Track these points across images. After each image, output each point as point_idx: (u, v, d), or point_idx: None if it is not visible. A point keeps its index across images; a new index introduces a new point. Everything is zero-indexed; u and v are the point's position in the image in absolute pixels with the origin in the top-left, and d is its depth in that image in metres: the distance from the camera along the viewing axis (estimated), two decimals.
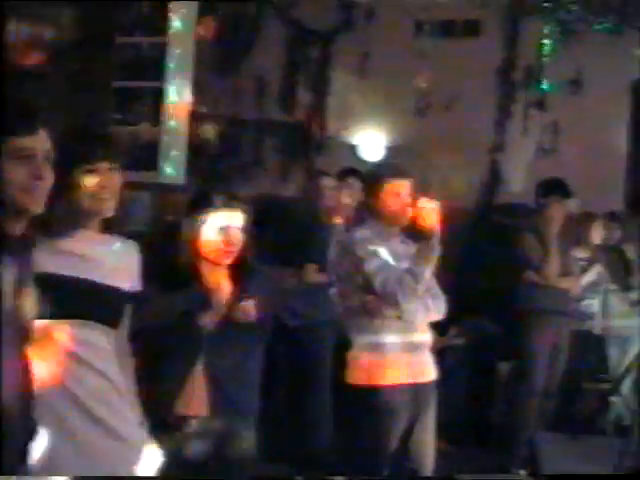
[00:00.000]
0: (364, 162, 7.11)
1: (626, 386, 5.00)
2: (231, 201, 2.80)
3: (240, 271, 2.79)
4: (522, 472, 4.86)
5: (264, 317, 2.74)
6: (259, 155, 7.55)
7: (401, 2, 6.57)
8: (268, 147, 7.56)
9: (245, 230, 2.80)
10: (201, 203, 2.79)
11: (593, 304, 5.79)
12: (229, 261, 2.79)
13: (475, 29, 6.99)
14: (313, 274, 4.91)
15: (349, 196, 5.10)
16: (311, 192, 5.20)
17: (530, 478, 4.68)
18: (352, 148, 7.44)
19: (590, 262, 5.70)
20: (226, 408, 2.72)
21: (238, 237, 2.78)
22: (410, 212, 3.41)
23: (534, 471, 4.48)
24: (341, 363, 3.55)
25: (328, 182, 5.10)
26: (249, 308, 2.71)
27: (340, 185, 5.15)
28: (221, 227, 2.75)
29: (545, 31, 6.48)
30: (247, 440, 2.82)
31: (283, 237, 4.90)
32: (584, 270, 5.59)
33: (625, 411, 5.30)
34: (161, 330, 2.61)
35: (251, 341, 2.80)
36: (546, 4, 6.19)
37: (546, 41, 6.58)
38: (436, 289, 3.56)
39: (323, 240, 4.74)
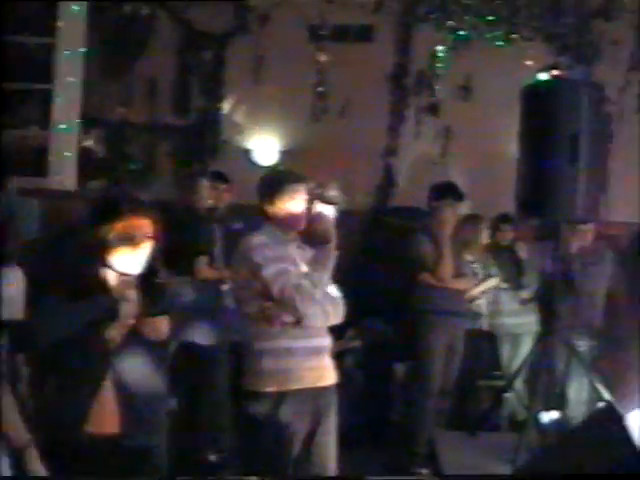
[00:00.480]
0: (259, 167, 7.08)
1: (519, 383, 5.15)
2: (138, 208, 2.72)
3: (148, 281, 2.72)
4: (424, 471, 4.93)
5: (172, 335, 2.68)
6: (151, 160, 7.41)
7: (295, 7, 6.56)
8: (161, 152, 7.42)
9: (154, 238, 2.75)
10: (107, 210, 2.69)
11: (482, 304, 5.94)
12: (137, 270, 2.72)
13: (368, 34, 7.05)
14: (205, 269, 4.96)
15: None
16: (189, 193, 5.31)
17: (434, 477, 4.74)
18: (246, 153, 7.39)
19: (483, 265, 5.85)
20: (137, 424, 2.63)
21: (147, 245, 2.71)
22: (306, 217, 3.42)
23: (435, 469, 4.54)
24: (241, 370, 3.51)
25: (204, 184, 5.31)
26: (159, 326, 2.64)
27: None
28: (129, 235, 2.67)
29: (438, 38, 6.60)
30: (158, 455, 2.76)
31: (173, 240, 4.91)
32: (476, 273, 5.74)
33: (518, 407, 5.46)
34: (67, 344, 2.50)
35: (159, 355, 2.73)
36: (438, 13, 6.32)
37: (438, 48, 6.71)
38: (334, 293, 3.58)
39: (207, 234, 4.95)
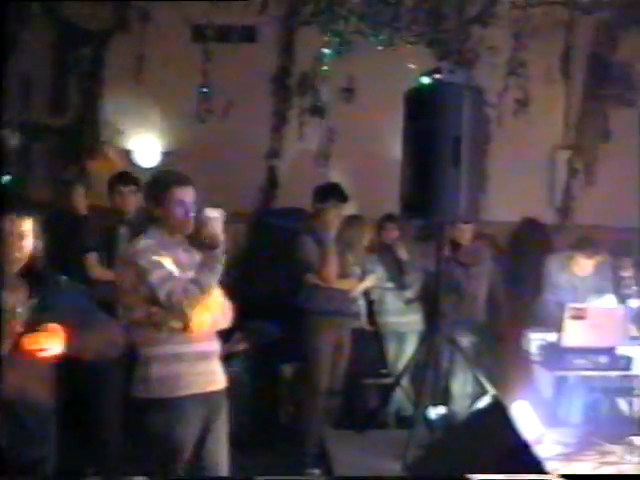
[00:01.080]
0: (140, 168, 6.93)
1: (405, 380, 5.25)
2: (22, 207, 2.65)
3: (31, 279, 2.63)
4: (315, 471, 4.95)
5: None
6: (27, 161, 7.13)
7: (178, 5, 6.45)
8: (36, 152, 7.15)
9: (36, 237, 2.71)
10: None
11: (362, 303, 6.01)
12: (18, 268, 2.66)
13: (252, 35, 7.01)
14: (95, 267, 4.89)
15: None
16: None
17: (324, 477, 4.76)
18: (127, 154, 7.21)
19: (367, 264, 5.93)
20: (23, 438, 2.53)
21: (29, 244, 2.62)
22: (194, 220, 3.38)
23: (326, 469, 4.57)
24: (130, 377, 3.43)
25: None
26: (44, 340, 2.54)
27: None
28: (12, 232, 2.62)
29: (322, 40, 6.64)
30: (44, 469, 2.66)
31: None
32: (362, 273, 5.80)
33: (406, 404, 5.57)
34: None
35: (45, 366, 2.63)
36: (323, 15, 6.35)
37: (323, 50, 6.75)
38: (222, 297, 3.55)
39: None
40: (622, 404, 5.75)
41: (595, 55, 7.07)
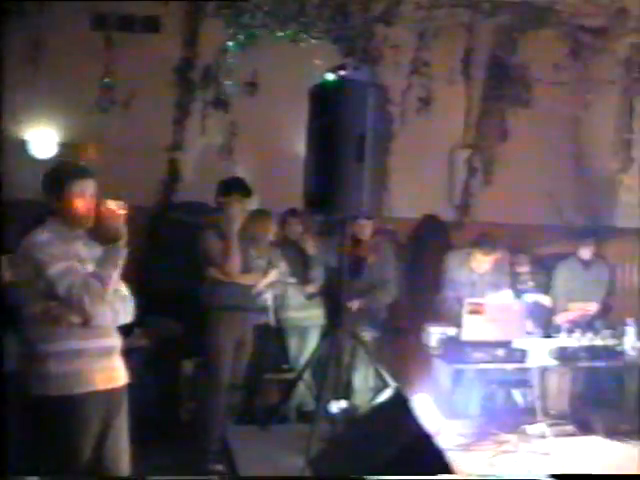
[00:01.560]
0: (36, 160, 6.71)
1: (307, 374, 5.26)
2: None
3: None
4: (217, 467, 4.91)
5: None
6: None
7: None
8: None
9: None
10: None
11: (269, 298, 6.01)
12: None
13: (155, 25, 6.87)
14: None
15: None
16: None
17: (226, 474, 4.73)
18: (23, 144, 6.94)
19: (270, 259, 5.92)
20: None
21: None
22: (94, 213, 3.31)
23: (228, 465, 4.54)
24: (28, 374, 3.31)
25: None
26: None
27: None
28: None
29: (227, 33, 6.57)
30: None
31: None
32: (266, 268, 5.79)
33: (308, 398, 5.59)
34: None
35: None
36: (229, 9, 6.28)
37: (228, 43, 6.68)
38: (124, 291, 3.48)
39: None
40: (517, 395, 5.93)
41: (495, 57, 7.26)
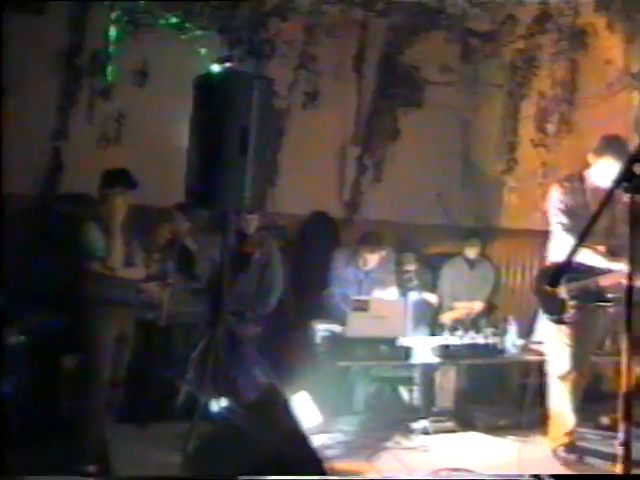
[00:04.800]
0: None
1: (190, 371, 5.17)
2: None
3: None
4: (91, 468, 4.75)
5: None
6: None
7: None
8: None
9: None
10: None
11: (154, 293, 5.87)
12: None
13: (39, 7, 6.56)
14: None
15: None
16: None
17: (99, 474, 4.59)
18: None
19: (159, 253, 5.79)
20: None
21: None
22: None
23: (104, 465, 4.42)
24: None
25: None
26: None
27: None
28: None
29: (112, 18, 6.35)
30: None
31: None
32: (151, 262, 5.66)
33: (190, 395, 5.47)
34: None
35: None
36: None
37: (113, 29, 6.45)
38: None
39: None
40: (402, 392, 6.00)
41: (386, 56, 7.30)
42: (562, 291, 4.83)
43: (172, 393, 5.34)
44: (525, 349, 6.10)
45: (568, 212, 4.90)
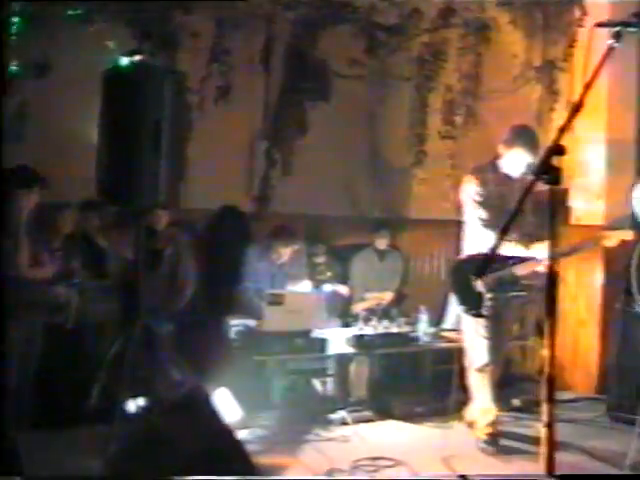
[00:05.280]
0: None
1: (105, 372, 5.04)
2: None
3: None
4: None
5: None
6: None
7: None
8: None
9: None
10: None
11: (63, 294, 5.71)
12: None
13: None
14: None
15: None
16: None
17: None
18: None
19: (63, 251, 5.62)
20: None
21: None
22: None
23: (19, 474, 4.26)
24: None
25: None
26: None
27: None
28: None
29: (15, 9, 6.10)
30: None
31: None
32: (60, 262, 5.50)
33: (105, 397, 5.34)
34: None
35: None
36: None
37: (14, 19, 6.20)
38: None
39: None
40: (318, 384, 6.02)
41: (294, 50, 7.30)
42: (479, 284, 4.83)
43: (86, 395, 5.20)
44: (437, 337, 6.22)
45: (485, 204, 4.97)
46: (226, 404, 4.90)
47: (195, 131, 6.41)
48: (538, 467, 4.53)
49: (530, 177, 4.76)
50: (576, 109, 2.64)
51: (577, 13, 6.47)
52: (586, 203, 6.54)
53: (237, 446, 3.34)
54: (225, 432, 3.37)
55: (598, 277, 6.46)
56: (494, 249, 3.01)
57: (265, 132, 7.45)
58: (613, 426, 5.56)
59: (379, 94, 7.52)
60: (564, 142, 2.56)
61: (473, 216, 5.03)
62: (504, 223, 2.95)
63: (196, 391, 4.10)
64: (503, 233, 3.08)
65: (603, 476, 3.07)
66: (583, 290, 6.42)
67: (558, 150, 2.59)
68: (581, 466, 4.60)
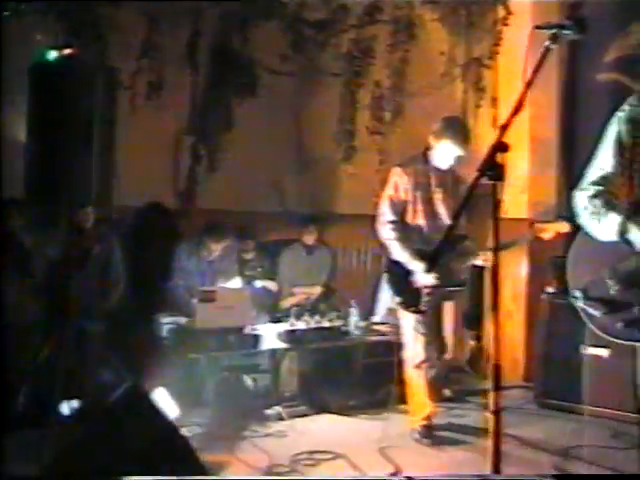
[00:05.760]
0: None
1: (35, 375, 4.93)
2: None
3: None
4: None
5: None
6: None
7: None
8: None
9: None
10: None
11: None
12: None
13: None
14: None
15: None
16: None
17: None
18: None
19: None
20: None
21: None
22: None
23: None
24: None
25: None
26: None
27: None
28: None
29: None
30: None
31: None
32: None
33: (37, 401, 5.22)
34: None
35: None
36: None
37: None
38: None
39: None
40: (252, 380, 6.01)
41: (221, 45, 7.23)
42: (418, 280, 4.89)
43: (14, 400, 5.06)
44: (368, 330, 6.29)
45: (395, 205, 5.03)
46: (164, 403, 4.84)
47: (125, 127, 6.31)
48: (472, 456, 4.70)
49: (456, 168, 4.92)
50: (517, 108, 2.72)
51: (502, 12, 6.65)
52: (511, 197, 6.70)
53: (184, 444, 3.31)
54: (170, 430, 3.34)
55: (523, 268, 6.65)
56: (444, 242, 3.06)
57: (191, 128, 7.37)
58: (541, 413, 5.74)
59: (309, 90, 7.54)
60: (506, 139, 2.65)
61: (384, 211, 5.08)
62: (452, 218, 3.02)
63: (132, 391, 4.04)
64: (451, 228, 3.14)
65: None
66: (509, 281, 6.57)
67: (502, 147, 2.67)
68: (510, 453, 4.72)
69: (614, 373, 4.85)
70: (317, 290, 7.18)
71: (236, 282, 6.47)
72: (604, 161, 3.08)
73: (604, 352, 5.27)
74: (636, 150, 2.98)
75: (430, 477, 4.35)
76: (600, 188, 3.08)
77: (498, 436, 2.70)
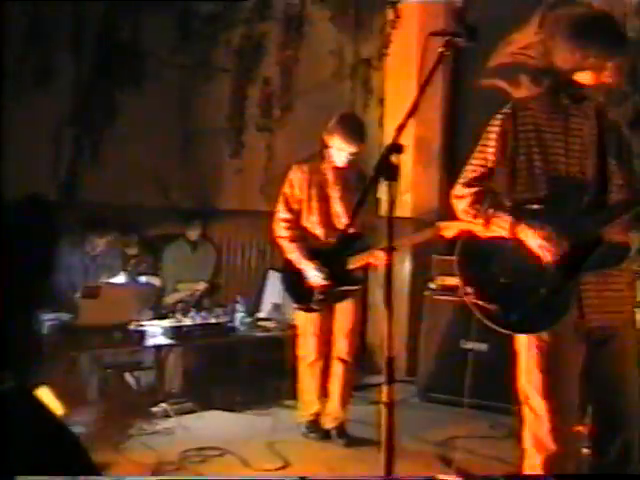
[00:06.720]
0: None
1: None
2: None
3: None
4: None
5: None
6: None
7: None
8: None
9: None
10: None
11: None
12: None
13: None
14: None
15: None
16: None
17: None
18: None
19: None
20: None
21: None
22: None
23: None
24: None
25: None
26: None
27: None
28: None
29: None
30: None
31: None
32: None
33: None
34: None
35: None
36: None
37: None
38: None
39: None
40: (137, 377, 5.92)
41: (105, 35, 7.07)
42: (311, 278, 4.88)
43: None
44: (254, 326, 6.30)
45: (289, 203, 5.01)
46: (48, 402, 4.71)
47: (8, 115, 6.09)
48: (361, 449, 4.80)
49: (360, 165, 4.97)
50: (412, 110, 2.80)
51: (391, 15, 6.75)
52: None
53: (74, 442, 3.22)
54: (59, 429, 3.24)
55: (407, 266, 6.81)
56: (340, 239, 3.10)
57: (73, 118, 7.17)
58: (423, 406, 5.91)
59: (199, 84, 7.47)
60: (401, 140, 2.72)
61: (279, 208, 5.05)
62: (348, 217, 3.05)
63: (14, 390, 3.91)
64: (348, 226, 3.17)
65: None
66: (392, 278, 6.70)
67: (396, 148, 2.74)
68: (395, 444, 4.84)
69: (493, 366, 5.06)
70: (202, 286, 7.14)
71: (120, 278, 6.35)
72: (485, 158, 3.15)
73: (483, 346, 5.49)
74: (517, 148, 3.07)
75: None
76: (480, 186, 3.15)
77: (391, 428, 2.80)
